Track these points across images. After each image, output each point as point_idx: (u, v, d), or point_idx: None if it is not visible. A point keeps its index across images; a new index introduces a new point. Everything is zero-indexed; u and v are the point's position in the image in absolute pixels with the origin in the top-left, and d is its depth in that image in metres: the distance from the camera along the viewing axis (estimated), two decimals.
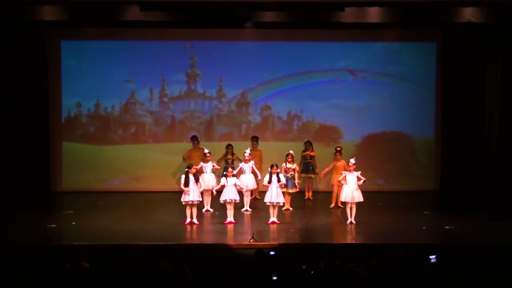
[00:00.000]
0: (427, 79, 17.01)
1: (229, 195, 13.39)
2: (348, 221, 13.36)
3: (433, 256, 9.41)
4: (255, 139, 15.99)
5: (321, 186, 16.47)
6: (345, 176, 13.42)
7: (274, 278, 8.27)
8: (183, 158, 15.87)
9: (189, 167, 13.43)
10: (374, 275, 8.34)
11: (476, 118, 15.31)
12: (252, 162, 14.57)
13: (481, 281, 8.20)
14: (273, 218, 13.40)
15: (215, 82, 17.08)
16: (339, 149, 15.06)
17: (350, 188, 13.31)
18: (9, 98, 15.78)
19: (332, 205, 14.87)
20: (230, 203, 13.43)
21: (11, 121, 15.83)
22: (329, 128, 17.20)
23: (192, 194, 13.20)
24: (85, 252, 9.35)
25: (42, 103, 16.49)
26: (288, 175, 14.01)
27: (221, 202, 13.58)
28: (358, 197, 13.30)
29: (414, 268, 8.73)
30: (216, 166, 14.74)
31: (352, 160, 13.57)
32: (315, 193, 16.13)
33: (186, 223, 13.27)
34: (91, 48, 16.77)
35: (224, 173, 13.90)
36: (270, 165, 13.62)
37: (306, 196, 15.86)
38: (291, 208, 14.62)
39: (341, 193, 13.64)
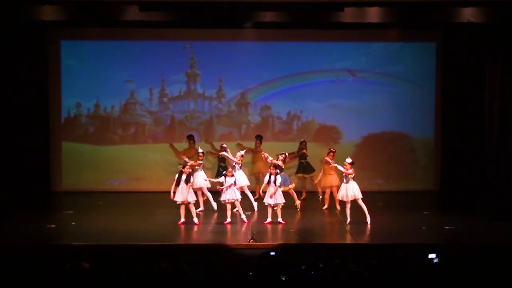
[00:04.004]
0: (427, 79, 17.02)
1: (230, 195, 13.37)
2: (348, 221, 13.36)
3: (434, 255, 9.41)
4: (259, 138, 15.91)
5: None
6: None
7: (283, 278, 8.28)
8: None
9: (184, 166, 13.39)
10: (374, 275, 8.35)
11: (476, 118, 15.31)
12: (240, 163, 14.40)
13: (481, 281, 8.20)
14: (276, 219, 13.38)
15: (215, 82, 17.08)
16: (333, 150, 14.81)
17: (347, 187, 13.32)
18: (9, 98, 15.75)
19: (325, 206, 14.84)
20: (230, 203, 13.42)
21: (11, 121, 15.80)
22: (329, 128, 17.20)
23: (181, 194, 13.14)
24: (85, 252, 9.35)
25: (42, 103, 16.49)
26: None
27: (222, 202, 13.55)
28: (357, 194, 13.29)
29: (414, 268, 8.74)
30: (200, 162, 14.42)
31: (348, 160, 13.55)
32: (315, 193, 16.07)
33: (179, 223, 13.24)
34: (91, 48, 16.77)
35: (224, 172, 13.82)
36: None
37: (303, 196, 15.80)
38: (298, 201, 14.55)
39: (337, 192, 13.64)
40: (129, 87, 16.98)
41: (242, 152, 14.57)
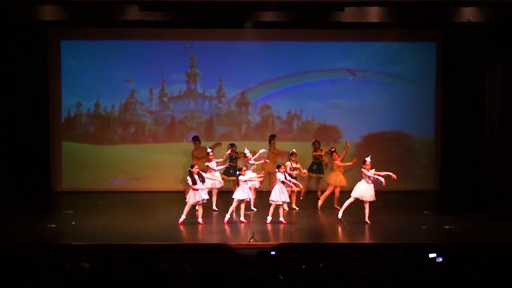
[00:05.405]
0: (427, 79, 17.02)
1: (243, 194, 13.35)
2: (366, 219, 13.40)
3: (435, 255, 9.41)
4: (273, 138, 15.93)
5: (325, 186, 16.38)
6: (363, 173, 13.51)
7: (281, 277, 8.28)
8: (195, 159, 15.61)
9: (192, 166, 13.39)
10: (374, 275, 8.35)
11: (476, 118, 15.29)
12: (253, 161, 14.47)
13: (481, 281, 8.20)
14: (277, 218, 13.37)
15: (215, 82, 17.08)
16: (333, 149, 14.90)
17: (369, 187, 13.35)
18: (9, 98, 15.73)
19: (320, 203, 14.86)
20: (244, 202, 13.41)
21: (11, 121, 15.78)
22: (329, 128, 17.21)
23: (199, 194, 13.16)
24: (85, 252, 9.35)
25: (42, 103, 16.48)
26: (294, 173, 13.97)
27: (235, 200, 13.48)
28: (371, 196, 13.35)
29: (414, 268, 8.74)
30: (219, 160, 14.63)
31: (368, 159, 13.62)
32: (314, 193, 16.04)
33: (179, 222, 13.23)
34: (91, 48, 16.77)
35: (238, 172, 13.65)
36: (276, 166, 13.68)
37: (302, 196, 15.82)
38: (296, 208, 14.62)
39: (353, 189, 13.63)
40: (129, 86, 16.98)
41: (247, 151, 14.53)
